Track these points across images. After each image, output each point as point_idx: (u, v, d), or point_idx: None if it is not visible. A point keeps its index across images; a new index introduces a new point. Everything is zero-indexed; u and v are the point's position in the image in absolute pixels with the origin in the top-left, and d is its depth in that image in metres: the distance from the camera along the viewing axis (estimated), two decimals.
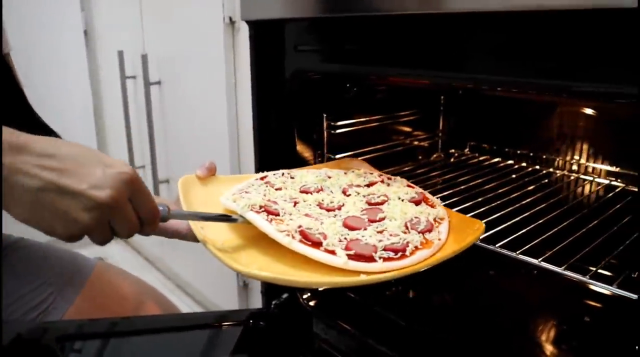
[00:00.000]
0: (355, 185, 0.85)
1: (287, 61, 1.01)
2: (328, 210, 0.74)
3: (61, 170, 0.46)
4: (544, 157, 1.21)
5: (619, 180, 1.09)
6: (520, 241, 0.82)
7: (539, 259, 0.74)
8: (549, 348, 0.93)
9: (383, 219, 0.71)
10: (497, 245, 0.81)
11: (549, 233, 0.84)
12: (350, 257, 0.60)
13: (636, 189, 1.05)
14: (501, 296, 1.12)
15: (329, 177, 0.87)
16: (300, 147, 1.08)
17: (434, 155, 1.35)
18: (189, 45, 1.26)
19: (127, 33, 1.53)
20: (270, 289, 1.20)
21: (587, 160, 1.14)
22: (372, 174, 0.91)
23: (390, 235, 0.66)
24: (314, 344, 1.11)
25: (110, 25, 1.68)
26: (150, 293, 1.01)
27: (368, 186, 0.85)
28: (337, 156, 1.12)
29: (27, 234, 0.83)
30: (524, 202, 0.98)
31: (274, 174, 0.87)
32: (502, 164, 1.27)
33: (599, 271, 0.73)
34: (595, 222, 0.88)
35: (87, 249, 1.68)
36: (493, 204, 0.97)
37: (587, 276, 0.69)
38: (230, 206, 0.71)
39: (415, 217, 0.72)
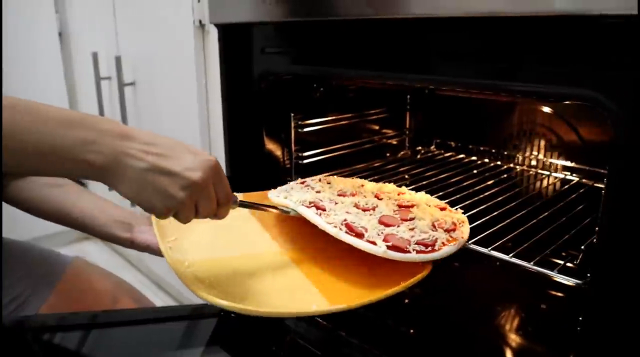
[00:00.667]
0: (385, 192, 0.96)
1: (255, 63, 1.05)
2: (364, 210, 0.84)
3: (161, 155, 0.54)
4: (505, 153, 1.27)
5: (574, 174, 1.15)
6: (477, 230, 0.87)
7: (489, 248, 0.79)
8: (507, 335, 0.98)
9: (413, 218, 0.82)
10: None
11: (504, 223, 0.89)
12: (388, 247, 0.70)
13: (590, 183, 1.11)
14: (461, 285, 1.17)
15: (362, 186, 0.99)
16: (270, 146, 1.12)
17: (402, 153, 1.40)
18: (161, 47, 1.29)
19: (101, 35, 1.55)
20: None
21: (545, 156, 1.19)
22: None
23: (421, 232, 0.76)
24: (285, 336, 1.15)
25: (85, 27, 1.70)
26: (126, 289, 1.04)
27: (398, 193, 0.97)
28: (305, 154, 1.16)
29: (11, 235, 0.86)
30: (482, 195, 1.03)
31: (312, 180, 0.99)
32: (466, 160, 1.32)
33: (553, 259, 0.78)
34: (546, 213, 0.94)
35: (66, 248, 1.69)
36: (455, 197, 1.02)
37: (531, 263, 0.74)
38: (282, 202, 0.83)
39: (441, 219, 0.82)
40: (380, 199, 0.91)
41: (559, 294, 1.08)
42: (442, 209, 0.91)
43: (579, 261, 0.77)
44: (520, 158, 1.24)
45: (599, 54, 0.57)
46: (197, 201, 0.58)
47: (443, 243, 0.75)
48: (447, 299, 1.14)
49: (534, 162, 1.22)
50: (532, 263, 0.74)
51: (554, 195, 1.12)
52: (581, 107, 1.11)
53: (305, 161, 1.17)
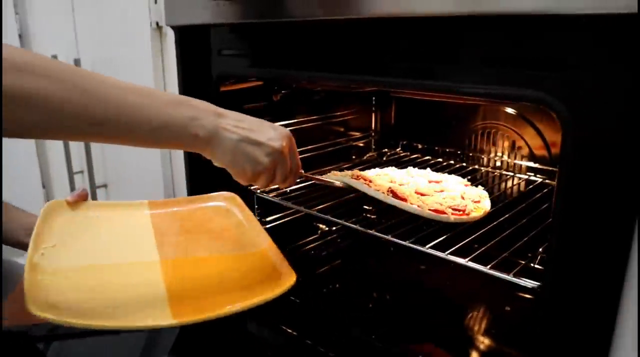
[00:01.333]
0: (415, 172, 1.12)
1: (213, 65, 1.02)
2: (400, 184, 0.99)
3: (250, 129, 0.65)
4: (470, 154, 1.26)
5: (537, 175, 1.15)
6: (440, 232, 0.86)
7: (446, 252, 0.78)
8: (473, 336, 0.97)
9: (443, 191, 0.99)
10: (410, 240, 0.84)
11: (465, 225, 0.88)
12: (430, 209, 0.84)
13: (553, 183, 1.11)
14: (425, 288, 1.17)
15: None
16: None
17: (368, 155, 1.38)
18: (120, 49, 1.25)
19: (60, 37, 1.50)
20: None
21: (509, 157, 1.19)
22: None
23: (452, 200, 0.91)
24: (247, 343, 1.13)
25: (45, 28, 1.65)
26: None
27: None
28: None
29: None
30: None
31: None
32: (432, 162, 1.31)
33: (519, 260, 0.77)
34: (507, 215, 0.93)
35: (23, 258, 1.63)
36: None
37: (488, 267, 0.73)
38: (333, 179, 0.94)
39: (467, 192, 0.98)
40: (412, 176, 1.07)
41: (526, 296, 1.09)
42: (466, 185, 1.05)
43: (537, 262, 0.76)
44: (485, 159, 1.24)
45: (545, 54, 0.56)
46: (276, 166, 0.68)
47: (471, 210, 0.88)
48: (414, 300, 1.13)
49: (498, 163, 1.22)
50: (488, 267, 0.73)
51: (518, 195, 1.11)
52: (542, 109, 1.11)
53: None
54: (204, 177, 1.12)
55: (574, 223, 0.57)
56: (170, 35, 1.08)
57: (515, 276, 0.71)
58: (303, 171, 0.79)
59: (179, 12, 0.98)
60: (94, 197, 1.48)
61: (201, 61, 1.03)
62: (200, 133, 0.62)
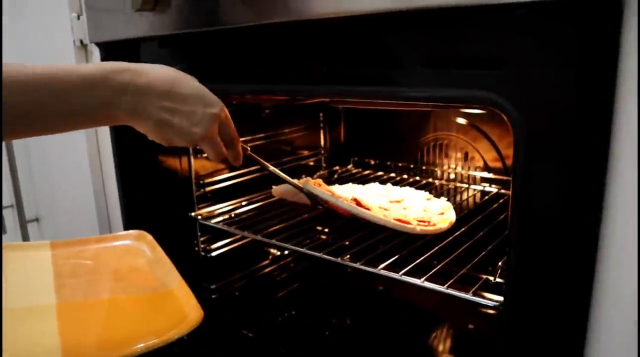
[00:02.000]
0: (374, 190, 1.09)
1: None
2: (363, 207, 0.90)
3: (173, 110, 0.61)
4: (424, 168, 1.22)
5: (492, 185, 1.11)
6: (395, 250, 0.80)
7: (400, 273, 0.71)
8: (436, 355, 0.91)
9: (406, 208, 0.96)
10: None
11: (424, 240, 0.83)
12: (395, 219, 0.82)
13: (509, 193, 1.07)
14: (386, 308, 1.11)
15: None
16: (168, 175, 1.02)
17: (318, 173, 1.32)
18: None
19: None
20: None
21: (463, 168, 1.15)
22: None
23: (415, 214, 0.89)
24: None
25: None
26: None
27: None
28: (210, 181, 1.06)
29: None
30: None
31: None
32: (385, 177, 1.26)
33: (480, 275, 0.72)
34: (464, 228, 0.88)
35: None
36: None
37: (445, 286, 0.67)
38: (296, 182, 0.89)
39: (430, 205, 0.96)
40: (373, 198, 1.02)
41: (489, 312, 1.04)
42: (429, 199, 1.02)
43: (497, 276, 0.71)
44: (439, 172, 1.20)
45: (492, 53, 0.52)
46: (212, 135, 0.65)
47: (436, 223, 0.86)
48: (375, 321, 1.07)
49: (452, 176, 1.18)
50: (446, 286, 0.67)
51: (474, 207, 1.07)
52: (494, 116, 1.08)
53: (210, 188, 1.07)
54: (142, 203, 1.03)
55: (531, 233, 0.52)
56: (96, 54, 1.00)
57: (475, 293, 0.66)
58: (249, 149, 0.79)
59: (102, 28, 0.90)
60: (25, 233, 1.36)
61: None
62: (117, 116, 0.60)
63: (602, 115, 0.47)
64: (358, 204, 0.85)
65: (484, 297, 0.64)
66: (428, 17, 0.54)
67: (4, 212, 1.44)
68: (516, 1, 0.46)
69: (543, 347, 0.54)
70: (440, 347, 1.00)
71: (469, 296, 0.64)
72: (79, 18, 1.01)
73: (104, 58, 0.96)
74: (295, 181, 0.89)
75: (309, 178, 0.97)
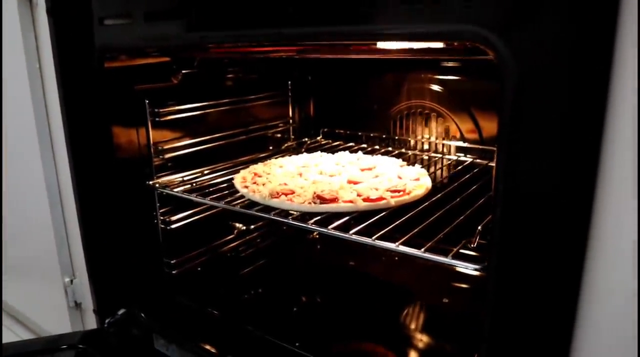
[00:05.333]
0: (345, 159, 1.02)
1: (96, 37, 0.86)
2: (331, 176, 0.91)
3: None
4: (397, 138, 1.17)
5: (467, 155, 1.07)
6: (366, 217, 0.75)
7: (373, 238, 0.66)
8: (414, 333, 0.87)
9: (378, 176, 0.89)
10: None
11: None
12: (364, 200, 0.76)
13: (484, 162, 1.03)
14: (359, 283, 1.06)
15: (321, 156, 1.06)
16: (122, 141, 0.94)
17: (286, 144, 1.26)
18: None
19: None
20: (104, 306, 1.03)
21: (437, 138, 1.11)
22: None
23: (389, 182, 0.83)
24: None
25: None
26: None
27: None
28: (169, 147, 0.99)
29: None
30: None
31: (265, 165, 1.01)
32: (356, 148, 1.20)
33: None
34: (439, 195, 0.84)
35: None
36: None
37: (422, 250, 0.62)
38: (254, 198, 0.82)
39: (405, 172, 0.91)
40: (343, 166, 0.97)
41: (462, 286, 1.00)
42: (402, 166, 0.98)
43: (475, 243, 0.66)
44: (412, 142, 1.15)
45: None
46: None
47: (412, 189, 0.81)
48: (347, 298, 1.02)
49: (426, 146, 1.13)
50: (422, 250, 0.63)
51: (450, 175, 1.03)
52: (472, 81, 1.04)
53: (169, 155, 1.00)
54: (95, 172, 0.95)
55: (515, 195, 0.48)
56: (41, 5, 0.90)
57: (454, 256, 0.61)
58: None
59: None
60: None
61: (81, 34, 0.87)
62: None
63: (602, 60, 0.42)
64: (322, 199, 0.77)
65: (464, 260, 0.59)
66: None
67: None
68: None
69: (530, 310, 0.50)
70: (413, 324, 0.96)
71: (448, 259, 0.60)
72: None
73: (49, 8, 0.87)
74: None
75: (244, 173, 0.94)
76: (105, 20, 0.84)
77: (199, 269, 1.10)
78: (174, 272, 1.06)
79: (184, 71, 1.00)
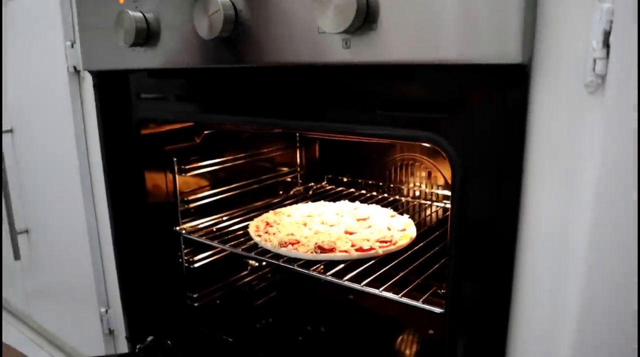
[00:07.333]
0: (344, 209, 1.20)
1: (133, 108, 1.03)
2: (331, 225, 1.08)
3: None
4: (392, 186, 1.32)
5: None
6: (359, 263, 0.90)
7: (362, 284, 0.81)
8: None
9: (371, 226, 1.06)
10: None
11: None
12: (357, 249, 0.92)
13: None
14: (358, 315, 1.20)
15: (323, 206, 1.24)
16: (154, 193, 1.10)
17: (295, 189, 1.42)
18: (38, 93, 1.24)
19: None
20: (135, 334, 1.18)
21: (426, 187, 1.26)
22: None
23: (379, 233, 1.00)
24: None
25: None
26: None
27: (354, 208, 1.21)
28: (192, 198, 1.15)
29: None
30: None
31: (275, 213, 1.18)
32: (356, 193, 1.36)
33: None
34: (422, 244, 0.98)
35: None
36: None
37: (400, 295, 0.77)
38: (265, 246, 0.97)
39: (394, 223, 1.06)
40: (342, 216, 1.14)
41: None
42: (392, 216, 1.13)
43: (444, 289, 0.81)
44: (405, 190, 1.30)
45: (435, 101, 0.62)
46: None
47: (397, 240, 0.96)
48: (347, 328, 1.16)
49: (417, 193, 1.28)
50: (400, 295, 0.77)
51: (435, 223, 1.17)
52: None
53: (193, 205, 1.16)
54: (130, 218, 1.11)
55: (465, 242, 0.63)
56: (88, 80, 1.08)
57: (425, 301, 0.75)
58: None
59: (96, 58, 0.99)
60: (15, 244, 1.42)
61: (121, 105, 1.04)
62: None
63: (517, 156, 0.57)
64: (322, 249, 0.93)
65: (431, 304, 0.74)
66: (384, 70, 0.64)
67: None
68: (452, 63, 0.56)
69: (476, 344, 0.64)
70: (406, 351, 1.09)
71: (419, 304, 0.74)
72: (72, 46, 1.09)
73: (96, 84, 1.05)
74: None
75: (257, 222, 1.09)
76: (142, 94, 1.01)
77: (218, 301, 1.25)
78: (195, 304, 1.21)
79: (205, 132, 1.16)
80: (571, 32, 0.51)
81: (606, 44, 0.47)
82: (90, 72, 1.04)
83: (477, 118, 0.59)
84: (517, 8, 0.50)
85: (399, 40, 0.58)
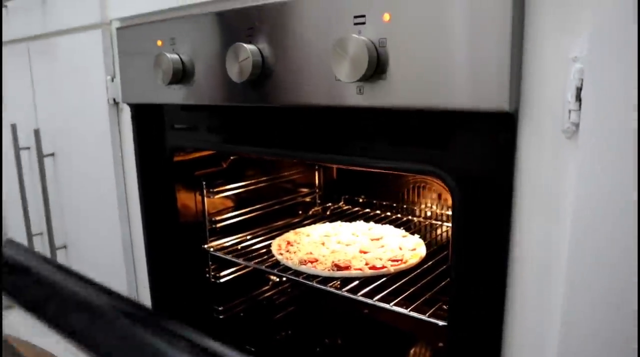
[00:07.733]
0: (359, 229, 1.29)
1: (167, 137, 1.14)
2: (347, 245, 1.16)
3: None
4: (404, 206, 1.41)
5: None
6: (373, 280, 0.99)
7: (374, 299, 0.90)
8: None
9: (384, 246, 1.15)
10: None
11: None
12: (370, 268, 1.01)
13: None
14: (373, 327, 1.28)
15: (340, 225, 1.34)
16: (184, 213, 1.20)
17: (313, 209, 1.51)
18: (79, 121, 1.35)
19: (20, 108, 1.59)
20: None
21: (437, 207, 1.34)
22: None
23: (391, 252, 1.09)
24: None
25: (4, 99, 1.73)
26: None
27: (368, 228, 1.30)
28: (219, 218, 1.25)
29: None
30: None
31: (295, 233, 1.27)
32: (371, 214, 1.45)
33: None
34: (431, 262, 1.07)
35: None
36: None
37: (409, 309, 0.85)
38: (287, 264, 1.06)
39: (404, 243, 1.15)
40: (357, 236, 1.23)
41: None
42: (404, 236, 1.22)
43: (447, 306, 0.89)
44: (417, 210, 1.38)
45: (436, 139, 0.71)
46: None
47: (408, 259, 1.05)
48: (364, 340, 1.24)
49: (429, 213, 1.36)
50: (409, 309, 0.86)
51: (445, 242, 1.25)
52: None
53: (220, 225, 1.26)
54: (162, 236, 1.22)
55: (465, 274, 0.71)
56: (126, 111, 1.19)
57: (431, 315, 0.83)
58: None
59: (134, 92, 1.10)
60: (54, 258, 1.53)
61: (155, 134, 1.15)
62: None
63: (509, 186, 0.66)
64: (338, 267, 1.02)
65: (437, 318, 0.82)
66: (393, 112, 0.73)
67: (34, 239, 1.63)
68: (451, 109, 0.65)
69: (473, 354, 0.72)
70: None
71: (424, 317, 0.83)
72: (112, 80, 1.20)
73: (134, 115, 1.16)
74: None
75: (279, 241, 1.18)
76: (175, 124, 1.12)
77: (241, 314, 1.34)
78: (221, 316, 1.30)
79: (231, 157, 1.26)
80: (551, 87, 0.60)
81: (578, 98, 0.56)
82: (129, 104, 1.15)
83: (469, 156, 0.67)
84: (505, 66, 0.59)
85: (405, 89, 0.68)
